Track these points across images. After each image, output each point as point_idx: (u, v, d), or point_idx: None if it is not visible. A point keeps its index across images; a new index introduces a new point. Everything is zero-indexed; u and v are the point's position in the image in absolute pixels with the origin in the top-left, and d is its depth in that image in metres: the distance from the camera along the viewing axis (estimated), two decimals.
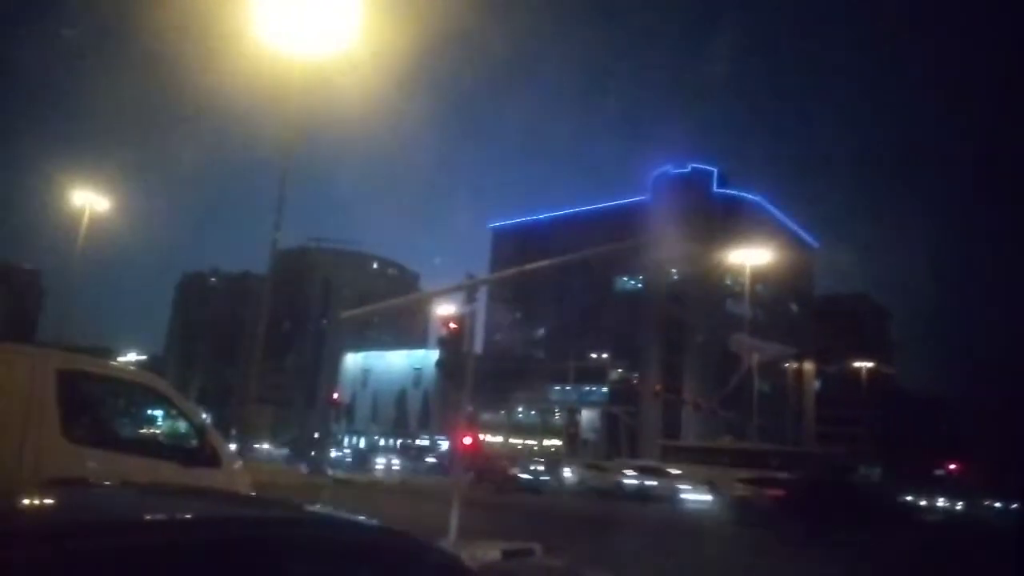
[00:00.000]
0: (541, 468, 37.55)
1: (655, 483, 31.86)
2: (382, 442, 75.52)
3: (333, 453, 51.95)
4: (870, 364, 78.17)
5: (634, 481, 32.83)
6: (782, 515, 18.91)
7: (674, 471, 33.58)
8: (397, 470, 42.65)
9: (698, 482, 31.07)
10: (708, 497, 28.49)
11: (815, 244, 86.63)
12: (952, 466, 67.25)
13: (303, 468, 31.65)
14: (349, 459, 51.55)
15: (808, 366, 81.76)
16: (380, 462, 47.76)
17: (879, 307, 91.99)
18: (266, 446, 54.76)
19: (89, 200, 33.05)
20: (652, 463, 37.97)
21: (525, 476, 33.79)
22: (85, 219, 32.56)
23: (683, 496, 29.85)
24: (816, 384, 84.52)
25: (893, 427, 75.72)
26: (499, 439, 76.61)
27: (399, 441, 74.25)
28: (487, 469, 32.25)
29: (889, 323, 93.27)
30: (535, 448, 72.77)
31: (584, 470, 38.87)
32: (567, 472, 39.90)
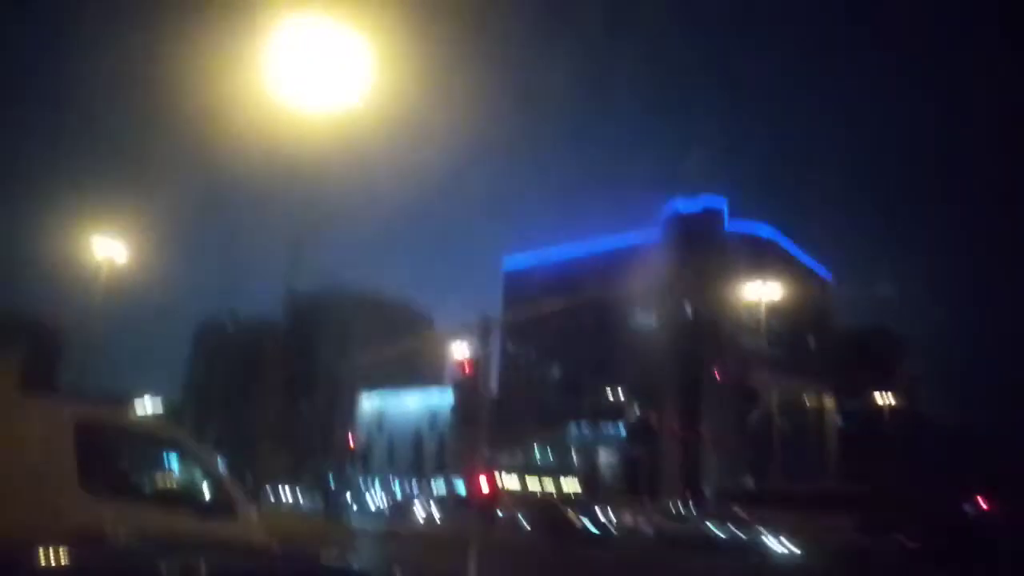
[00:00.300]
0: (602, 514, 34.43)
1: (740, 533, 28.12)
2: (405, 487, 74.71)
3: (372, 504, 51.09)
4: (893, 399, 76.74)
5: (724, 531, 28.73)
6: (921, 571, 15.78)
7: (743, 515, 30.36)
8: (438, 519, 40.01)
9: (781, 530, 27.36)
10: (795, 548, 25.45)
11: (830, 278, 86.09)
12: (982, 503, 65.31)
13: (322, 515, 31.33)
14: (386, 509, 50.20)
15: (829, 402, 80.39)
16: (420, 512, 45.91)
17: (899, 339, 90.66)
18: (288, 495, 54.20)
19: (110, 250, 33.57)
20: (736, 510, 33.91)
21: (588, 524, 30.47)
22: (106, 269, 33.04)
23: (769, 546, 26.35)
24: (838, 420, 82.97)
25: (919, 462, 73.87)
26: (515, 481, 75.65)
27: (416, 483, 73.49)
28: (544, 516, 30.41)
29: (910, 355, 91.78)
30: (570, 492, 71.68)
31: (660, 517, 35.50)
32: (630, 518, 37.49)
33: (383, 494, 74.35)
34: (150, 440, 6.42)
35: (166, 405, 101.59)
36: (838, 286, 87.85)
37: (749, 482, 49.13)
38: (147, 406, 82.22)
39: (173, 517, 5.25)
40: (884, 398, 76.51)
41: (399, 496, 68.49)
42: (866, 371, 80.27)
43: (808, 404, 74.92)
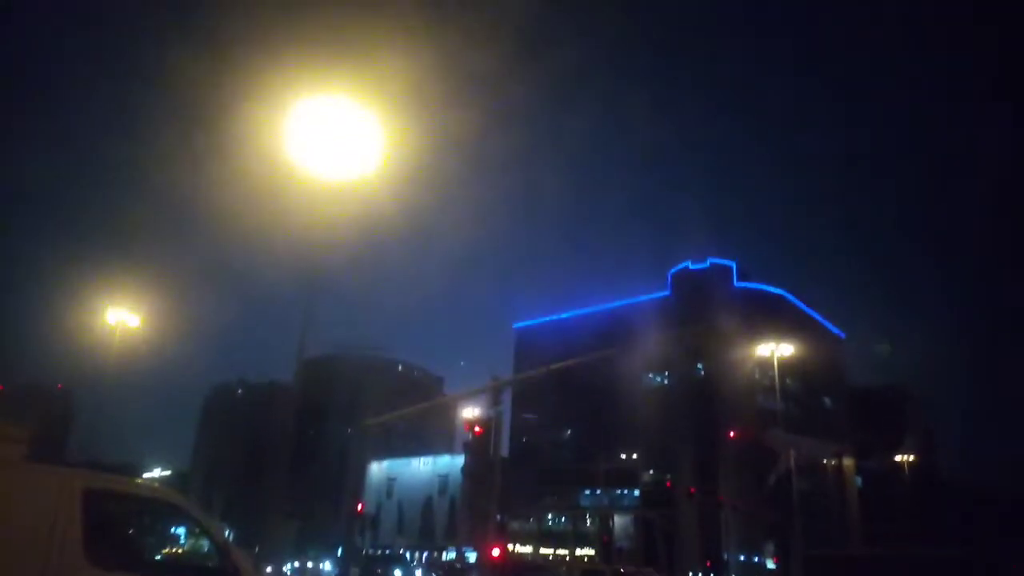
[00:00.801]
0: None
1: None
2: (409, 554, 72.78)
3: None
4: (911, 457, 74.98)
5: None
6: None
7: None
8: None
9: None
10: None
11: (842, 336, 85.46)
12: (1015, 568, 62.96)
13: None
14: None
15: (848, 461, 78.48)
16: None
17: (915, 397, 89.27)
18: (297, 565, 52.83)
19: (122, 318, 33.93)
20: None
21: None
22: (117, 337, 33.32)
23: None
24: (857, 480, 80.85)
25: (943, 523, 71.53)
26: (529, 548, 73.62)
27: (426, 553, 71.63)
28: None
29: (927, 413, 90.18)
30: (584, 558, 69.65)
31: None
32: None
33: (391, 561, 72.41)
34: (157, 509, 6.40)
35: (174, 472, 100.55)
36: (850, 344, 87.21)
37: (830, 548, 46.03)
38: (155, 474, 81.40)
39: None
40: (902, 456, 74.85)
41: (407, 563, 66.73)
42: (883, 429, 78.77)
43: (826, 463, 73.25)
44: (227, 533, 6.88)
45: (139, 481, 6.46)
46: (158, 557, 6.73)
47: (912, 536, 73.71)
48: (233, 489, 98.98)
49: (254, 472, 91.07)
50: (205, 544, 6.02)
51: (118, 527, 6.06)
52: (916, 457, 75.64)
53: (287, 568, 44.02)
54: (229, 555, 5.60)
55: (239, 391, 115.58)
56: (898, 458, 75.46)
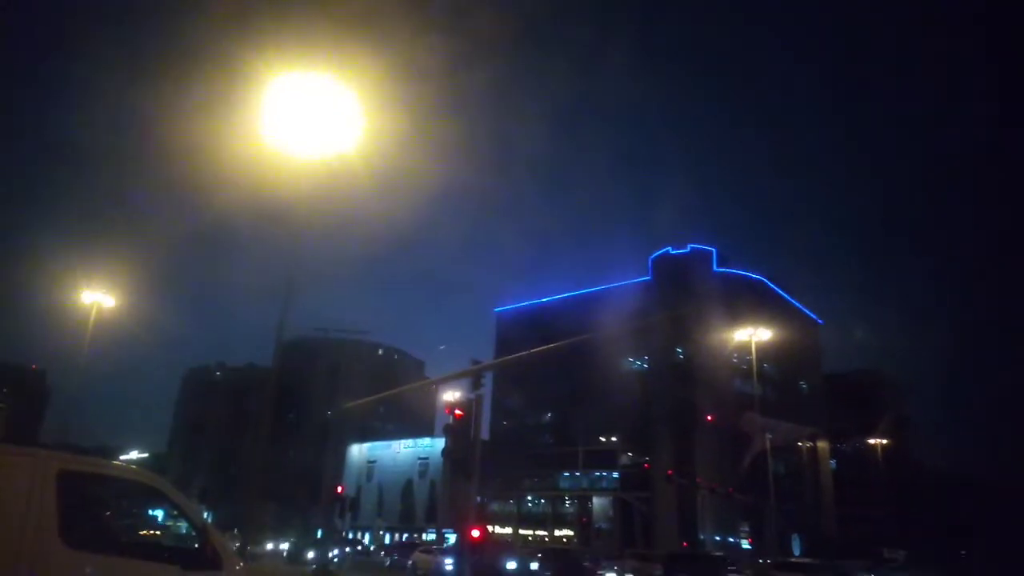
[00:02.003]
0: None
1: None
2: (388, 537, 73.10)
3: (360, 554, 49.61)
4: (884, 440, 76.45)
5: None
6: None
7: None
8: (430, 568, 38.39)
9: None
10: None
11: (820, 321, 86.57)
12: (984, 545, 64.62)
13: (310, 566, 30.58)
14: (376, 558, 48.79)
15: (822, 445, 79.93)
16: (410, 560, 44.58)
17: (890, 382, 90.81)
18: (276, 547, 52.73)
19: (97, 299, 33.41)
20: None
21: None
22: (92, 318, 32.82)
23: None
24: (831, 463, 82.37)
25: (913, 506, 73.24)
26: (508, 530, 74.25)
27: (405, 536, 71.88)
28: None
29: (901, 398, 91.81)
30: (546, 539, 70.37)
31: None
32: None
33: (372, 543, 72.69)
34: (134, 491, 6.31)
35: (151, 455, 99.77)
36: (827, 329, 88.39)
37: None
38: (132, 456, 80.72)
39: (155, 570, 5.14)
40: (875, 440, 76.32)
41: (388, 545, 66.93)
42: (858, 413, 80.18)
43: (802, 447, 74.49)
44: (205, 515, 6.82)
45: (116, 463, 6.37)
46: (135, 539, 6.65)
47: (884, 518, 75.62)
48: (211, 472, 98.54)
49: (232, 455, 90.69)
50: (183, 526, 5.96)
51: (94, 509, 5.98)
52: (889, 441, 77.16)
53: (266, 549, 43.94)
54: (208, 537, 5.56)
55: (217, 373, 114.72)
56: (872, 442, 76.94)
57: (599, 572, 37.79)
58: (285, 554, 47.01)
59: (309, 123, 15.37)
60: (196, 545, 5.53)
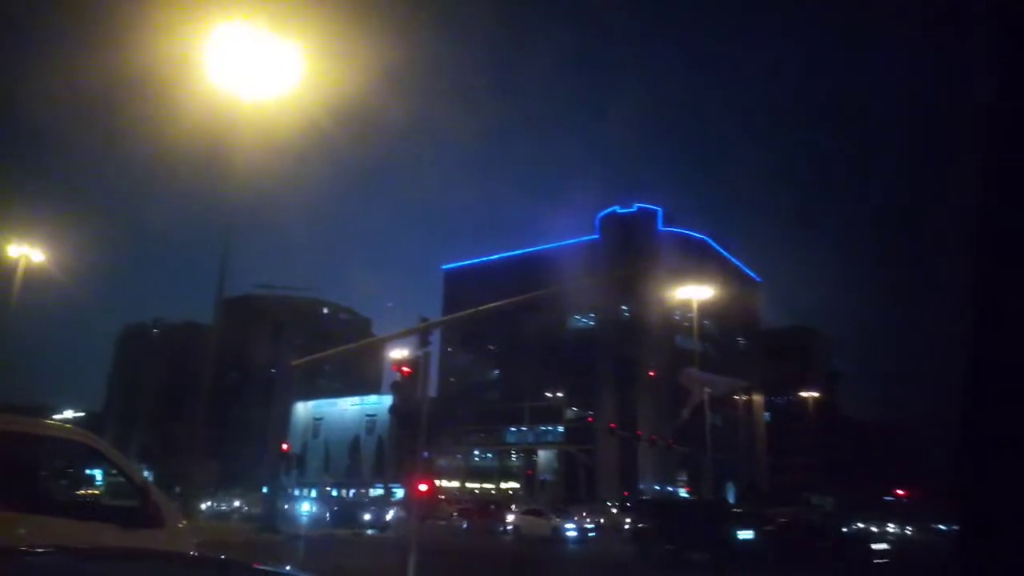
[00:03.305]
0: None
1: None
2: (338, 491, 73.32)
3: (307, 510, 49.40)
4: (815, 394, 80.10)
5: None
6: None
7: None
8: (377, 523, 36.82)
9: None
10: None
11: (758, 280, 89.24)
12: (900, 492, 68.85)
13: (256, 523, 30.47)
14: (328, 514, 48.70)
15: (757, 398, 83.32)
16: (357, 516, 44.14)
17: (821, 338, 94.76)
18: (220, 505, 52.33)
19: (24, 253, 31.85)
20: None
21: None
22: (20, 272, 31.32)
23: None
24: (765, 416, 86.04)
25: (841, 456, 77.34)
26: (456, 484, 75.45)
27: (352, 491, 72.31)
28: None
29: (831, 353, 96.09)
30: (493, 492, 71.77)
31: None
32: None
33: (319, 500, 72.85)
34: (70, 450, 6.14)
35: (88, 414, 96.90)
36: (765, 287, 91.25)
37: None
38: (67, 415, 78.25)
39: (95, 530, 5.05)
40: (806, 393, 79.88)
41: (335, 501, 67.27)
42: (791, 368, 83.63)
43: (738, 400, 77.46)
44: (145, 474, 6.71)
45: (50, 422, 6.17)
46: (72, 499, 6.51)
47: (812, 467, 79.71)
48: (151, 430, 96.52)
49: (172, 413, 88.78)
50: (122, 485, 5.85)
51: (28, 469, 5.81)
52: (820, 394, 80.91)
53: (204, 507, 43.51)
54: (148, 495, 5.47)
55: (155, 331, 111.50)
56: (803, 395, 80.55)
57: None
58: (245, 511, 46.51)
59: (249, 67, 14.79)
60: (136, 503, 5.44)
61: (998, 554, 1.96)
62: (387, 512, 36.88)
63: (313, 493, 76.60)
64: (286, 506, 41.90)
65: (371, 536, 30.18)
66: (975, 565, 2.03)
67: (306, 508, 44.70)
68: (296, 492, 70.12)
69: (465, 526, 38.21)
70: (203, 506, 42.83)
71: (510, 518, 35.40)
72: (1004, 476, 1.96)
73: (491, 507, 42.79)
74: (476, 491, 72.29)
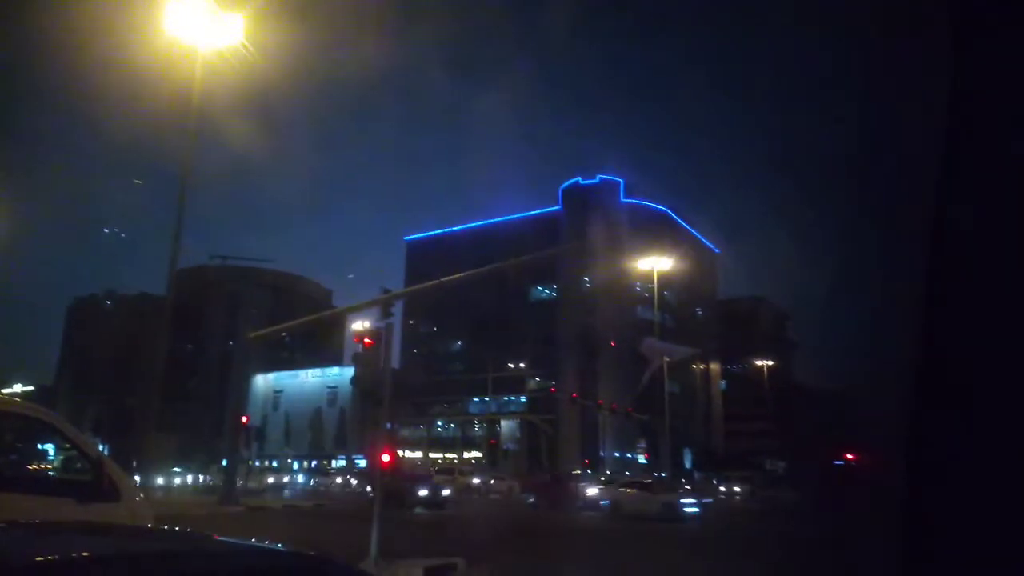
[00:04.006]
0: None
1: None
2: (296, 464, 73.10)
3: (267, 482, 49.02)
4: (770, 363, 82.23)
5: None
6: None
7: None
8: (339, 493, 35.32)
9: None
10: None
11: (716, 251, 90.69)
12: (849, 456, 71.73)
13: (215, 495, 30.23)
14: (283, 487, 48.39)
15: (714, 366, 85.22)
16: (319, 487, 43.59)
17: (776, 308, 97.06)
18: (179, 478, 51.81)
19: None
20: None
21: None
22: None
23: None
24: (722, 384, 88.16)
25: (794, 422, 79.82)
26: (419, 454, 75.84)
27: (314, 463, 72.13)
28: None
29: (786, 323, 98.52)
30: (455, 461, 72.37)
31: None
32: None
33: (280, 472, 72.55)
34: (20, 424, 5.98)
35: (38, 387, 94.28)
36: (723, 258, 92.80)
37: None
38: (16, 389, 76.04)
39: (48, 504, 4.94)
40: (763, 362, 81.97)
41: (296, 473, 67.09)
42: (747, 337, 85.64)
43: (696, 368, 79.15)
44: (101, 448, 6.58)
45: None
46: (23, 474, 6.35)
47: (766, 433, 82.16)
48: (105, 404, 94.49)
49: (127, 386, 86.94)
50: (76, 459, 5.73)
51: None
52: (774, 362, 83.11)
53: (162, 481, 43.03)
54: (104, 469, 5.37)
55: (107, 302, 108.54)
56: (758, 363, 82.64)
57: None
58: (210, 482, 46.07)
59: (207, 26, 14.28)
60: (90, 477, 5.34)
61: (940, 512, 2.04)
62: (443, 487, 32.37)
63: (274, 466, 76.17)
64: (286, 479, 40.90)
65: (428, 515, 26.54)
66: (918, 521, 2.12)
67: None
68: (256, 462, 69.67)
69: (532, 501, 33.79)
70: (161, 480, 42.40)
71: (591, 492, 32.36)
72: (948, 442, 2.04)
73: (562, 479, 38.32)
74: (439, 460, 72.85)
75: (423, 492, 29.47)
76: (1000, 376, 1.98)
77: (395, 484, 23.92)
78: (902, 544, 2.17)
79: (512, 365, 75.04)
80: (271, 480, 52.25)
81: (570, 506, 30.98)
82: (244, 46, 15.47)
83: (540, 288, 76.57)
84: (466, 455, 74.54)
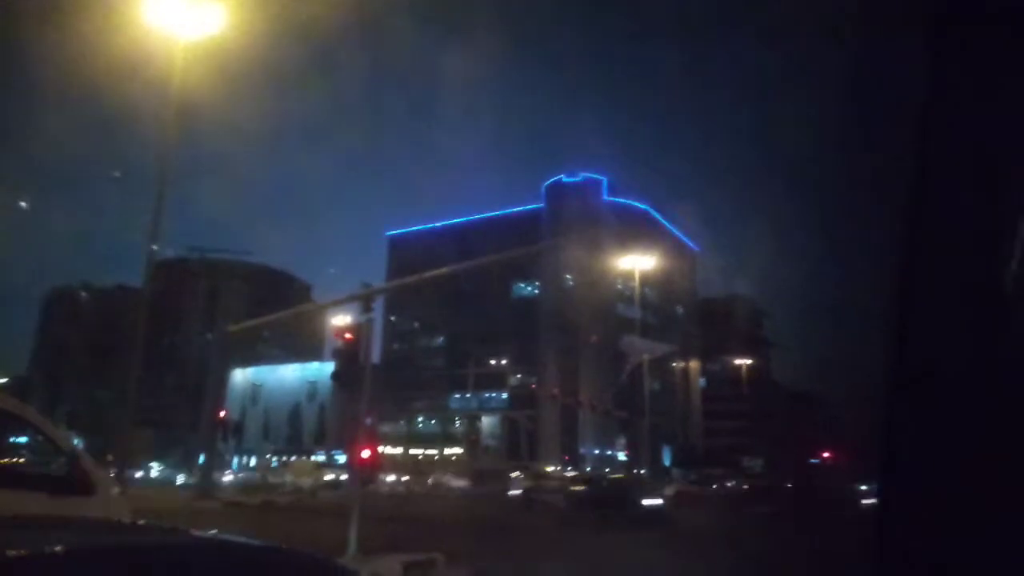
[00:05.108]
0: None
1: None
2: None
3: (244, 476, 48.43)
4: (748, 361, 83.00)
5: None
6: None
7: None
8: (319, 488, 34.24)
9: None
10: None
11: (696, 249, 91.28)
12: (825, 454, 72.47)
13: (192, 490, 29.96)
14: (260, 481, 47.75)
15: (693, 364, 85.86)
16: (298, 482, 43.18)
17: (755, 307, 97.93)
18: (156, 472, 51.30)
19: None
20: None
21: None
22: None
23: None
24: (701, 381, 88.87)
25: (771, 420, 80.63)
26: (399, 450, 75.66)
27: (293, 458, 71.62)
28: None
29: (764, 322, 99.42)
30: (436, 457, 72.28)
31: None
32: None
33: (258, 466, 72.04)
34: None
35: (11, 379, 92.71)
36: (704, 257, 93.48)
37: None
38: None
39: (21, 498, 4.87)
40: (741, 360, 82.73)
41: (274, 467, 66.65)
42: (726, 335, 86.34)
43: (675, 366, 79.73)
44: (76, 442, 6.49)
45: None
46: None
47: (743, 431, 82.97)
48: (81, 397, 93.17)
49: (103, 379, 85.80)
50: (51, 453, 5.65)
51: None
52: (752, 361, 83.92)
53: (139, 475, 42.63)
54: (78, 463, 5.31)
55: (83, 294, 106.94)
56: (737, 362, 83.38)
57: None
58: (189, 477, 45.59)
59: (185, 12, 14.12)
60: (65, 471, 5.27)
61: (911, 511, 2.08)
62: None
63: (252, 461, 75.51)
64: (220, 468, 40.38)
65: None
66: (894, 515, 2.15)
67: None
68: (234, 457, 69.08)
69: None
70: (138, 474, 42.00)
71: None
72: (920, 441, 2.07)
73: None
74: (419, 457, 72.75)
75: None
76: (972, 376, 2.02)
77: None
78: (875, 543, 2.21)
79: (493, 361, 75.07)
80: (329, 477, 50.22)
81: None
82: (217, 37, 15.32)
83: (522, 285, 76.64)
84: (447, 451, 74.51)
